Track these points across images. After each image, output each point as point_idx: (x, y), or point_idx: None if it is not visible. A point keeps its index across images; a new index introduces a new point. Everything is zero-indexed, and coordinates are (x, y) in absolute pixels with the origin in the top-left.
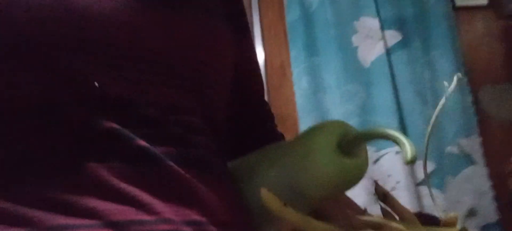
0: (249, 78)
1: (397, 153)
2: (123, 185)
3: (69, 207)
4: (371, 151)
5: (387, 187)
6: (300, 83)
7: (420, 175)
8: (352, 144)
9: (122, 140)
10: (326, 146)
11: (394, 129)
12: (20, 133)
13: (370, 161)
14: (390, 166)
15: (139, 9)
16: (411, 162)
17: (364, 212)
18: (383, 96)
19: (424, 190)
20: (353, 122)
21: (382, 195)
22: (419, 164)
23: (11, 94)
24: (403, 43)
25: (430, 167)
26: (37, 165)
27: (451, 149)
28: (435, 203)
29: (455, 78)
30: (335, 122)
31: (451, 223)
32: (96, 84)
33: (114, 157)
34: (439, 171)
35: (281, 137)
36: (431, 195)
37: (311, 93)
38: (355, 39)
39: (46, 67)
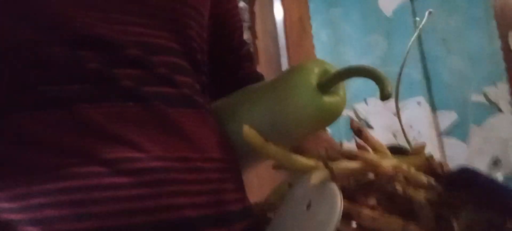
0: (226, 19)
1: (418, 103)
2: (113, 125)
3: (64, 147)
4: (391, 102)
5: (409, 138)
6: (319, 37)
7: (443, 125)
8: (331, 82)
9: (107, 81)
10: (306, 85)
11: (370, 66)
12: (14, 67)
13: (390, 111)
14: (411, 116)
15: None
16: (386, 98)
17: (340, 146)
18: (405, 46)
19: (447, 140)
20: None
21: (357, 130)
22: (442, 114)
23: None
24: None
25: (452, 117)
26: (27, 100)
27: (476, 97)
28: (405, 137)
29: (426, 14)
30: (315, 61)
31: (418, 152)
32: (78, 24)
33: (102, 98)
34: (463, 121)
35: (261, 77)
36: (402, 130)
37: (331, 46)
38: None
39: (34, 8)
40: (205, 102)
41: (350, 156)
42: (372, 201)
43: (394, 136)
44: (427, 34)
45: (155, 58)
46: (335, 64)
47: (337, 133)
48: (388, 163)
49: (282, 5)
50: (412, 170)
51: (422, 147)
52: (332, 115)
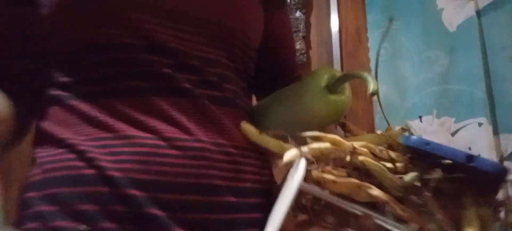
0: (279, 45)
1: (479, 124)
2: (173, 113)
3: (139, 124)
4: (450, 122)
5: None
6: (376, 50)
7: (506, 149)
8: (336, 84)
9: (173, 81)
10: (317, 86)
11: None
12: (111, 62)
13: (448, 132)
14: (470, 138)
15: None
16: (373, 94)
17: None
18: (469, 63)
19: (509, 164)
20: (432, 91)
21: (341, 124)
22: (505, 137)
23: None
24: (498, 4)
25: None
26: (115, 88)
27: None
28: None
29: (389, 22)
30: (324, 68)
31: (393, 133)
32: (158, 38)
33: (167, 92)
34: None
35: None
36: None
37: (388, 59)
38: (440, 1)
39: (131, 26)
40: (242, 103)
41: (314, 138)
42: (340, 172)
43: None
44: (494, 52)
45: (209, 69)
46: (391, 79)
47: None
48: (350, 141)
49: (339, 16)
50: (370, 145)
51: (389, 128)
52: (338, 110)
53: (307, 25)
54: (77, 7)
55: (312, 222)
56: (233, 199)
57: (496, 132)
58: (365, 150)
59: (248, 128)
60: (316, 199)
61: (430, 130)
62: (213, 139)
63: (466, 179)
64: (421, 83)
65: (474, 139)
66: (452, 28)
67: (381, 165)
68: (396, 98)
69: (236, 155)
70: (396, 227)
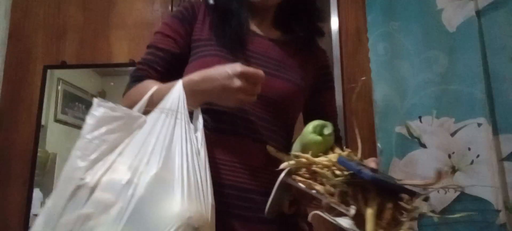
0: (326, 114)
1: (479, 124)
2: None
3: (243, 152)
4: (449, 122)
5: (466, 160)
6: (376, 50)
7: (505, 150)
8: (319, 129)
9: (252, 134)
10: (307, 132)
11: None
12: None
13: (448, 132)
14: (469, 138)
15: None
16: (329, 135)
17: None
18: (468, 63)
19: (509, 165)
20: (431, 91)
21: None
22: (505, 138)
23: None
24: (498, 4)
25: None
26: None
27: None
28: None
29: (359, 82)
30: (315, 121)
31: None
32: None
33: (248, 138)
34: None
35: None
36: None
37: (387, 60)
38: (440, 1)
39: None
40: (284, 149)
41: (300, 156)
42: (308, 175)
43: (449, 156)
44: (494, 52)
45: (269, 128)
46: (391, 79)
47: (389, 149)
48: (318, 159)
49: (339, 16)
50: (324, 162)
51: (348, 153)
52: (320, 144)
53: None
54: None
55: (297, 201)
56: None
57: (495, 132)
58: (325, 162)
59: (271, 149)
60: (298, 189)
61: (430, 130)
62: (262, 163)
63: (367, 183)
64: (420, 83)
65: (474, 139)
66: (451, 28)
67: (324, 172)
68: (396, 98)
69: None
70: (339, 206)
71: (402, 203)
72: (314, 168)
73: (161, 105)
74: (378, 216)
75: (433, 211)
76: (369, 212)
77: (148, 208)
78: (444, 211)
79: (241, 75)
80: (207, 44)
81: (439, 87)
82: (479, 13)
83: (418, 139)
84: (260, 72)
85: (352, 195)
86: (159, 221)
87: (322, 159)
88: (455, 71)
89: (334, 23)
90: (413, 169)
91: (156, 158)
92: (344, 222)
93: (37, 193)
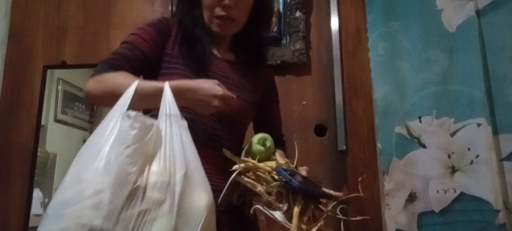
0: (275, 127)
1: (478, 125)
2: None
3: (207, 158)
4: (449, 122)
5: (466, 160)
6: (376, 50)
7: (505, 150)
8: (262, 141)
9: (211, 142)
10: (254, 142)
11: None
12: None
13: (447, 133)
14: (469, 138)
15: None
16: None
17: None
18: (468, 63)
19: (508, 165)
20: (431, 91)
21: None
22: (505, 138)
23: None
24: (498, 4)
25: None
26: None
27: None
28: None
29: (300, 106)
30: (260, 134)
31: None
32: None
33: (208, 146)
34: None
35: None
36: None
37: (387, 60)
38: (440, 1)
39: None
40: (236, 150)
41: (247, 161)
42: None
43: (449, 156)
44: (494, 52)
45: (226, 138)
46: (391, 79)
47: (389, 149)
48: (262, 165)
49: (339, 16)
50: (267, 168)
51: (286, 161)
52: (263, 153)
53: (307, 25)
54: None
55: (244, 195)
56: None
57: (495, 132)
58: (267, 168)
59: (227, 152)
60: (245, 187)
61: (430, 130)
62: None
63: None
64: (420, 83)
65: (474, 139)
66: (451, 28)
67: (265, 176)
68: (396, 98)
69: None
70: (274, 203)
71: (321, 206)
72: (258, 172)
73: (162, 110)
74: (302, 213)
75: (433, 211)
76: (295, 210)
77: (186, 201)
78: (444, 211)
79: (221, 97)
80: (177, 62)
81: (439, 88)
82: (479, 13)
83: (418, 139)
84: (235, 97)
85: (285, 196)
86: (195, 210)
87: (264, 165)
88: (455, 71)
89: (334, 23)
90: (413, 169)
91: (179, 160)
92: (278, 215)
93: (37, 193)
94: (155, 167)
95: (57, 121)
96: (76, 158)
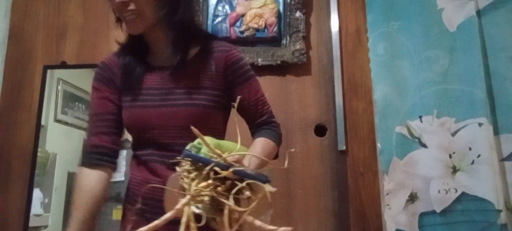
0: (251, 109)
1: (480, 124)
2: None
3: (150, 169)
4: (450, 122)
5: (467, 160)
6: (376, 50)
7: (506, 150)
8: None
9: (166, 159)
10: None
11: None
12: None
13: (448, 132)
14: (470, 138)
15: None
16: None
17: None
18: (469, 63)
19: (510, 165)
20: (432, 91)
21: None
22: (506, 138)
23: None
24: (498, 4)
25: None
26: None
27: None
28: None
29: (287, 153)
30: (209, 138)
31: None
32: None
33: (163, 163)
34: None
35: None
36: None
37: (387, 60)
38: (441, 1)
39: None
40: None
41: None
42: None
43: (450, 156)
44: (494, 52)
45: (179, 147)
46: (391, 79)
47: (389, 149)
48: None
49: (339, 16)
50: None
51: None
52: (221, 148)
53: (307, 25)
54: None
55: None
56: None
57: (496, 131)
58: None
59: (196, 131)
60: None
61: (430, 129)
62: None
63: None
64: (421, 83)
65: (474, 138)
66: (452, 28)
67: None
68: (396, 98)
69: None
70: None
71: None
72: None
73: None
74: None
75: (434, 211)
76: (191, 180)
77: None
78: (445, 211)
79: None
80: (123, 95)
81: (440, 87)
82: (479, 13)
83: (419, 139)
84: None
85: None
86: None
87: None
88: (456, 71)
89: (334, 23)
90: (414, 169)
91: None
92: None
93: (37, 193)
94: None
95: (57, 121)
96: None
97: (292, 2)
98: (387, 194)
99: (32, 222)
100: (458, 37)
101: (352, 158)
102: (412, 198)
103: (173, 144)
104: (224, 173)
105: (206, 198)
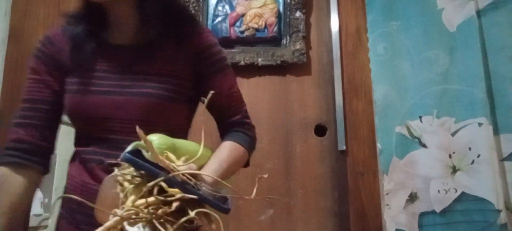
0: (222, 106)
1: (480, 124)
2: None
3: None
4: (450, 122)
5: (467, 160)
6: (376, 50)
7: (506, 150)
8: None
9: (109, 156)
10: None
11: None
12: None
13: (448, 132)
14: (470, 138)
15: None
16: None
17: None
18: (468, 63)
19: (510, 166)
20: (432, 91)
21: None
22: (506, 138)
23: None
24: (498, 4)
25: None
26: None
27: None
28: None
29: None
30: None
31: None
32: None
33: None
34: None
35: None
36: None
37: (387, 59)
38: (441, 1)
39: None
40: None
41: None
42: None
43: (450, 156)
44: (494, 52)
45: (127, 142)
46: (391, 79)
47: (389, 149)
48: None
49: (339, 16)
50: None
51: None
52: (177, 151)
53: (307, 25)
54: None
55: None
56: None
57: (496, 131)
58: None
59: (140, 132)
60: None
61: (430, 129)
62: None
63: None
64: (421, 83)
65: (474, 138)
66: (452, 28)
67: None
68: (396, 98)
69: None
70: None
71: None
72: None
73: None
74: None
75: (434, 211)
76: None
77: None
78: (445, 211)
79: None
80: (68, 76)
81: (440, 87)
82: (479, 13)
83: (419, 139)
84: None
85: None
86: None
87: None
88: (456, 71)
89: (334, 23)
90: (414, 169)
91: None
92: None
93: (37, 193)
94: None
95: None
96: None
97: (292, 2)
98: (387, 194)
99: (32, 222)
100: (458, 37)
101: (352, 158)
102: (412, 198)
103: (121, 140)
104: (171, 191)
105: (142, 222)
